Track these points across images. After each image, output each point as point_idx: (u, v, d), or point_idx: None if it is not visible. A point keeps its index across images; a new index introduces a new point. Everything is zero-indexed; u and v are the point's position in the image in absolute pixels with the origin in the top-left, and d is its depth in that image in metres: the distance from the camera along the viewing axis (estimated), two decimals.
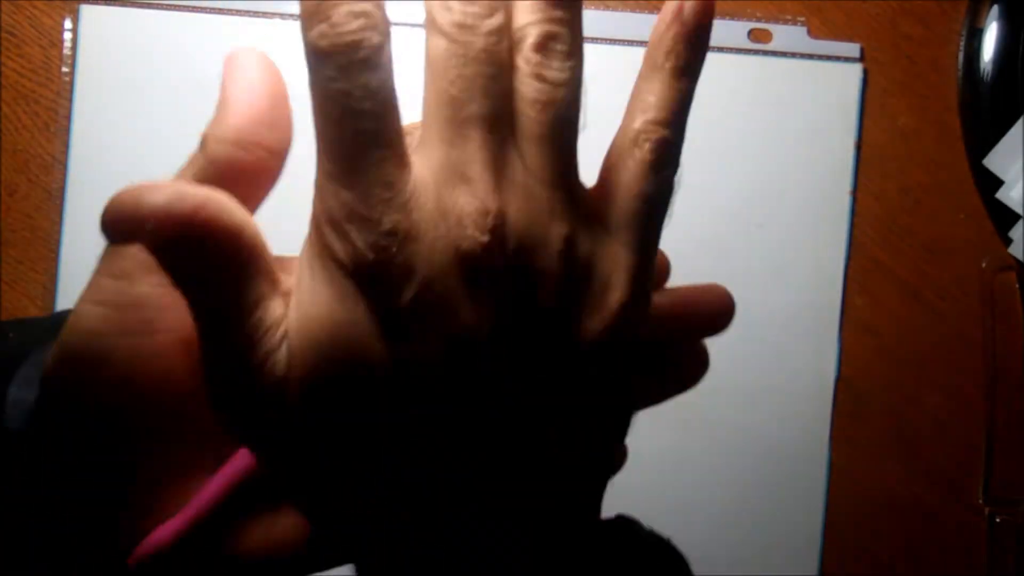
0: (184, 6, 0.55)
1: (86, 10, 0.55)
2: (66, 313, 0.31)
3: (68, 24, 0.55)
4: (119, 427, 0.25)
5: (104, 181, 0.55)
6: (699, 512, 0.56)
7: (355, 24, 0.22)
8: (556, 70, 0.24)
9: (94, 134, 0.55)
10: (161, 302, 0.25)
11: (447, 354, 0.23)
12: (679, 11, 0.25)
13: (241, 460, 0.27)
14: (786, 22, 0.56)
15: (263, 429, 0.24)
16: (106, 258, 0.26)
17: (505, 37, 0.23)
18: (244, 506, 0.26)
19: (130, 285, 0.25)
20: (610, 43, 0.55)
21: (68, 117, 0.55)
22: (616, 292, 0.24)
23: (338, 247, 0.22)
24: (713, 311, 0.30)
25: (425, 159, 0.23)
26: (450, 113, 0.23)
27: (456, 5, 0.23)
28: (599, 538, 0.27)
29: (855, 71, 0.56)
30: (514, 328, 0.23)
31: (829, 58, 0.56)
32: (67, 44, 0.55)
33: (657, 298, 0.28)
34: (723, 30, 0.56)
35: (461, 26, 0.23)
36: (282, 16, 0.55)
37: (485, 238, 0.22)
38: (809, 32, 0.56)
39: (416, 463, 0.23)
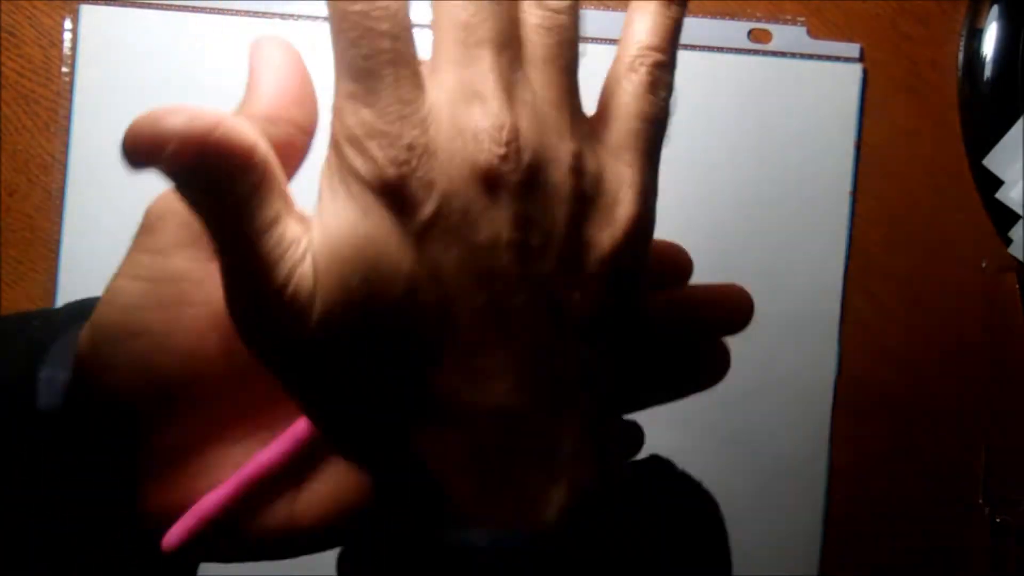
0: (184, 6, 0.55)
1: (86, 10, 0.55)
2: (91, 300, 0.31)
3: (68, 24, 0.55)
4: (152, 399, 0.26)
5: (104, 181, 0.55)
6: None
7: None
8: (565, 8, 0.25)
9: (94, 134, 0.55)
10: (195, 275, 0.25)
11: (468, 262, 0.23)
12: None
13: (278, 445, 0.27)
14: (786, 22, 0.56)
15: (294, 347, 0.24)
16: (141, 236, 0.26)
17: None
18: (269, 489, 0.27)
19: (166, 260, 0.26)
20: (610, 43, 0.55)
21: (68, 117, 0.55)
22: (624, 207, 0.25)
23: (359, 164, 0.23)
24: (732, 309, 0.31)
25: (438, 82, 0.24)
26: (461, 36, 0.24)
27: None
28: (632, 476, 0.27)
29: (855, 71, 0.56)
30: (530, 238, 0.24)
31: (829, 58, 0.56)
32: (67, 44, 0.55)
33: (678, 295, 0.30)
34: (723, 30, 0.56)
35: None
36: (282, 16, 0.55)
37: (501, 151, 0.23)
38: (809, 32, 0.56)
39: (443, 372, 0.24)
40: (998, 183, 0.55)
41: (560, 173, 0.24)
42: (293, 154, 0.26)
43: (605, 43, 0.56)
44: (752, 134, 0.56)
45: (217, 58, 0.55)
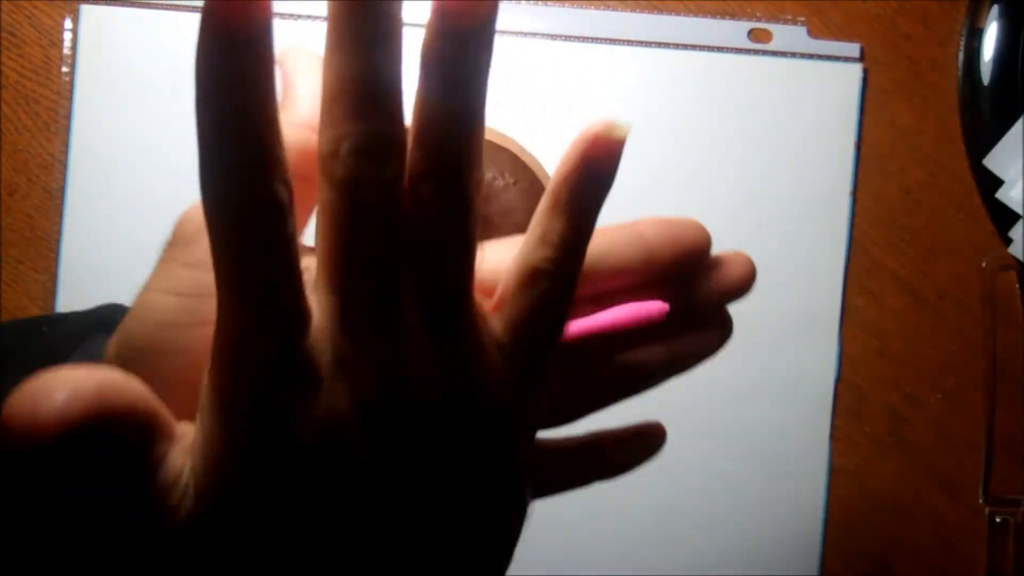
0: (184, 6, 0.55)
1: (86, 10, 0.55)
2: (108, 308, 0.30)
3: (68, 24, 0.55)
4: (186, 418, 0.26)
5: (104, 181, 0.55)
6: (699, 512, 0.56)
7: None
8: (452, 220, 0.24)
9: (94, 134, 0.55)
10: None
11: (346, 499, 0.23)
12: (586, 155, 0.25)
13: None
14: (786, 22, 0.56)
15: (175, 557, 0.24)
16: (176, 248, 0.26)
17: (400, 180, 0.23)
18: None
19: (207, 274, 0.25)
20: (610, 43, 0.55)
21: (68, 117, 0.55)
22: (504, 424, 0.25)
23: (230, 412, 0.23)
24: (739, 279, 0.31)
25: (322, 303, 0.23)
26: (341, 265, 0.23)
27: (350, 160, 0.22)
28: None
29: (855, 71, 0.56)
30: (410, 466, 0.24)
31: (829, 58, 0.56)
32: (67, 44, 0.55)
33: (684, 294, 0.30)
34: (723, 30, 0.56)
35: (352, 180, 0.22)
36: (282, 16, 0.55)
37: (373, 392, 0.23)
38: (809, 32, 0.56)
39: None
40: (998, 183, 0.55)
41: (440, 396, 0.24)
42: None
43: (605, 43, 0.56)
44: (752, 134, 0.56)
45: None
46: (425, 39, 0.23)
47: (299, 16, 0.55)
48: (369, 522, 0.24)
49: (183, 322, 0.25)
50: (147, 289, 0.25)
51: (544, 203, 0.26)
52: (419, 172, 0.23)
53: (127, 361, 0.25)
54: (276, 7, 0.60)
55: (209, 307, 0.25)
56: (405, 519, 0.24)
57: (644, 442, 0.32)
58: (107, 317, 0.28)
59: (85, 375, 0.22)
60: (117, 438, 0.22)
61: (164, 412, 0.24)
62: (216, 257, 0.22)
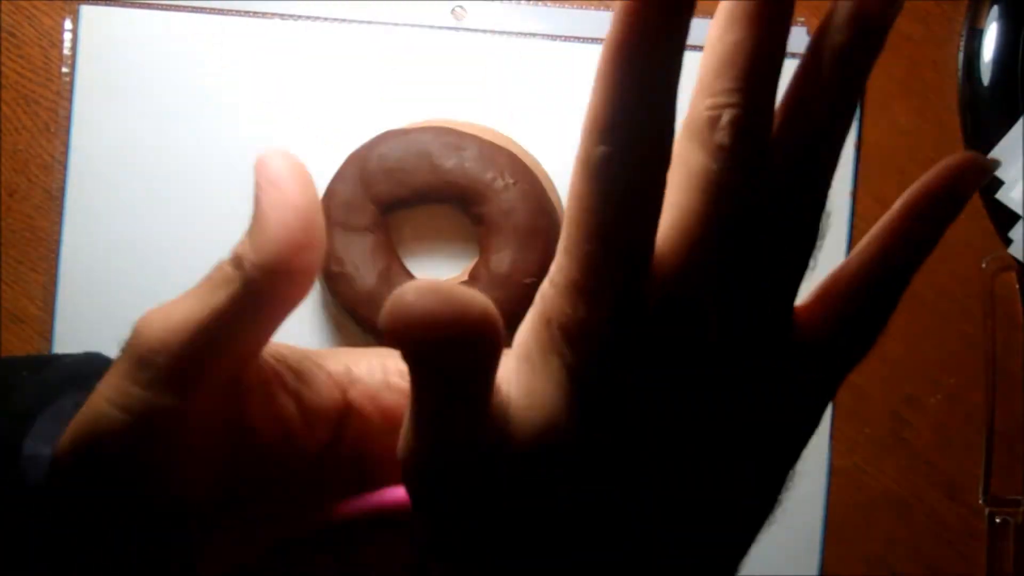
0: (184, 6, 0.55)
1: (86, 10, 0.55)
2: (91, 358, 0.30)
3: (68, 24, 0.55)
4: (129, 515, 0.25)
5: (104, 181, 0.55)
6: None
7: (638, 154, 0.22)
8: (812, 192, 0.24)
9: (94, 134, 0.55)
10: (186, 412, 0.24)
11: (653, 480, 0.23)
12: (952, 173, 0.26)
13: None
14: None
15: (475, 504, 0.24)
16: (131, 363, 0.24)
17: (769, 158, 0.23)
18: None
19: (157, 396, 0.24)
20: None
21: (68, 117, 0.55)
22: (818, 395, 0.26)
23: (568, 355, 0.22)
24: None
25: (677, 264, 0.23)
26: (710, 235, 0.23)
27: (730, 130, 0.23)
28: None
29: None
30: (724, 444, 0.24)
31: None
32: (67, 44, 0.55)
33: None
34: None
35: (731, 150, 0.23)
36: (282, 16, 0.55)
37: (715, 387, 0.23)
38: (809, 32, 0.56)
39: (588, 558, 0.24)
40: (998, 183, 0.55)
41: (768, 391, 0.24)
42: (292, 300, 0.25)
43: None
44: None
45: (217, 58, 0.55)
46: (823, 33, 0.25)
47: (299, 17, 0.55)
48: (665, 498, 0.24)
49: (127, 439, 0.24)
50: (99, 393, 0.25)
51: (894, 211, 0.27)
52: (795, 138, 0.24)
53: (76, 464, 0.24)
54: (276, 7, 0.60)
55: (155, 427, 0.24)
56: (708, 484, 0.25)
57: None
58: (85, 368, 0.28)
59: (466, 293, 0.22)
60: (485, 352, 0.22)
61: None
62: (599, 195, 0.22)
